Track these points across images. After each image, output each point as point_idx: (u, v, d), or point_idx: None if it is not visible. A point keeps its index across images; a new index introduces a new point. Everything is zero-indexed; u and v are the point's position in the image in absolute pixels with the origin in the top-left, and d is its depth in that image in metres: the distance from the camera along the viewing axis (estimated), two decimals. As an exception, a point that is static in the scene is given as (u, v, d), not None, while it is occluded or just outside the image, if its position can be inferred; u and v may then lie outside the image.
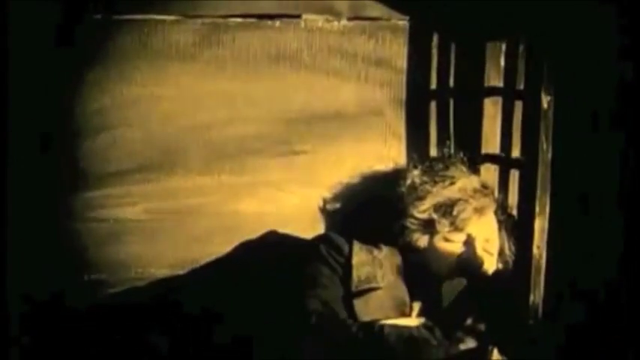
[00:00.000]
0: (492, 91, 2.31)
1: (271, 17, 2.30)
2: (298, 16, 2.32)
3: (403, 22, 2.37)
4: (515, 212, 2.18)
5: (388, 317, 2.01)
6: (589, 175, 2.13)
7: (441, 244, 2.08)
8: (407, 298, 2.08)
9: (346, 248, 2.08)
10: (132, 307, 2.30)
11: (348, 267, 2.07)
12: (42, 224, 2.24)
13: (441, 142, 2.40)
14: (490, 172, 2.31)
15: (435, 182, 2.10)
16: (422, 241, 2.08)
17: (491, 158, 2.32)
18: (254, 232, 2.34)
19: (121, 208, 2.29)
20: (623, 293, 1.99)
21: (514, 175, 2.22)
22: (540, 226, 2.05)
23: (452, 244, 2.08)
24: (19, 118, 2.18)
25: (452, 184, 2.10)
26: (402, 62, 2.39)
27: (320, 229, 2.30)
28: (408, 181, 2.11)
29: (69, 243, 2.29)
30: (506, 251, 2.16)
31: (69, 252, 2.29)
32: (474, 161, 2.25)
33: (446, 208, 2.07)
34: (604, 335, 2.04)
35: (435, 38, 2.39)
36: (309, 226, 2.30)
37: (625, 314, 2.01)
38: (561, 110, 2.03)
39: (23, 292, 2.20)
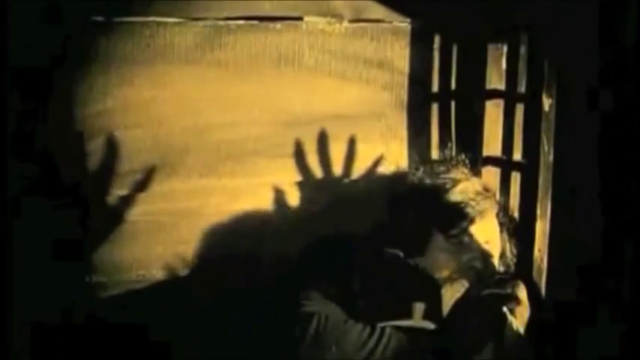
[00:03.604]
0: (494, 94, 2.31)
1: (273, 20, 2.30)
2: (300, 19, 2.32)
3: (405, 25, 2.37)
4: (516, 215, 2.18)
5: (390, 319, 2.01)
6: (591, 177, 2.12)
7: (441, 247, 2.07)
8: (408, 300, 2.07)
9: (346, 250, 2.08)
10: (132, 309, 2.30)
11: (348, 269, 2.06)
12: (43, 226, 2.24)
13: (443, 145, 2.39)
14: (491, 175, 2.30)
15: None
16: (422, 243, 2.08)
17: (492, 161, 2.31)
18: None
19: (121, 210, 2.29)
20: (625, 294, 1.98)
21: (516, 178, 2.22)
22: (542, 228, 2.05)
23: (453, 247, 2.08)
24: (18, 121, 2.19)
25: (453, 186, 2.10)
26: (404, 64, 2.39)
27: (320, 231, 2.30)
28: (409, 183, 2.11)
29: (70, 245, 2.29)
30: (508, 254, 2.16)
31: (69, 254, 2.29)
32: (476, 164, 2.24)
33: (447, 211, 2.06)
34: (608, 338, 2.03)
35: (437, 40, 2.39)
36: (309, 229, 2.29)
37: (628, 315, 2.00)
38: (563, 112, 2.02)
39: (24, 295, 2.20)
